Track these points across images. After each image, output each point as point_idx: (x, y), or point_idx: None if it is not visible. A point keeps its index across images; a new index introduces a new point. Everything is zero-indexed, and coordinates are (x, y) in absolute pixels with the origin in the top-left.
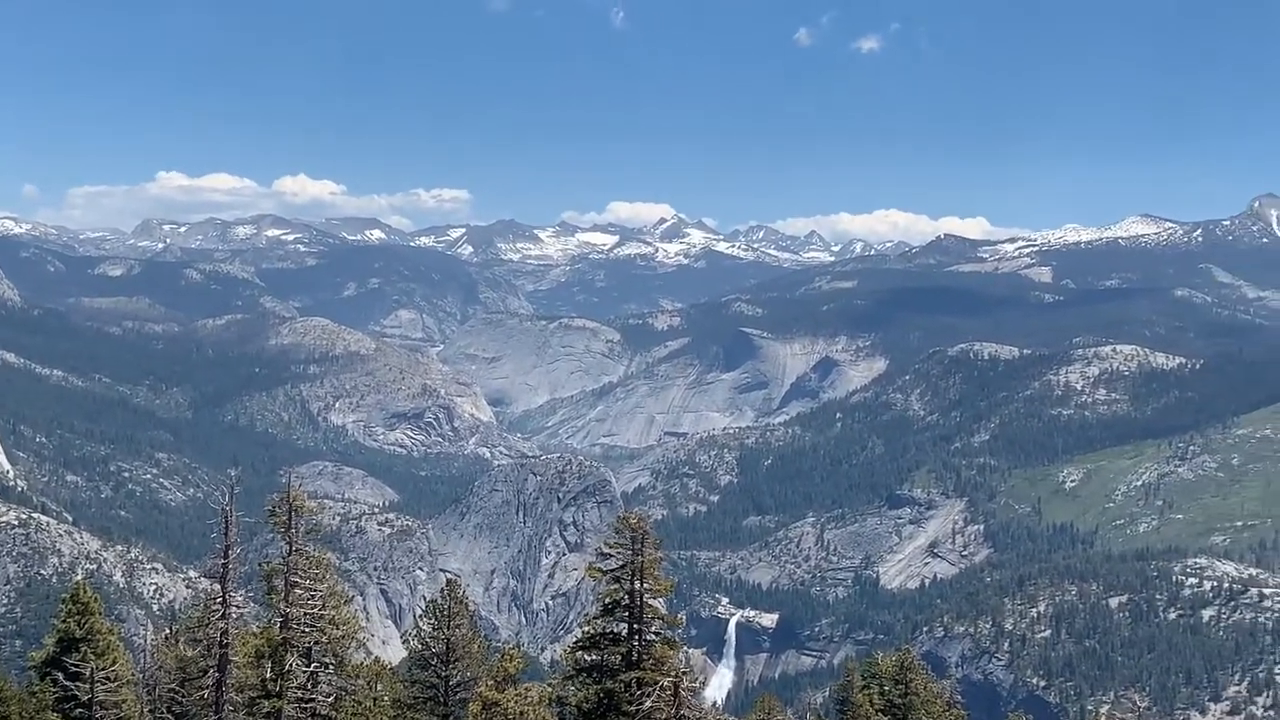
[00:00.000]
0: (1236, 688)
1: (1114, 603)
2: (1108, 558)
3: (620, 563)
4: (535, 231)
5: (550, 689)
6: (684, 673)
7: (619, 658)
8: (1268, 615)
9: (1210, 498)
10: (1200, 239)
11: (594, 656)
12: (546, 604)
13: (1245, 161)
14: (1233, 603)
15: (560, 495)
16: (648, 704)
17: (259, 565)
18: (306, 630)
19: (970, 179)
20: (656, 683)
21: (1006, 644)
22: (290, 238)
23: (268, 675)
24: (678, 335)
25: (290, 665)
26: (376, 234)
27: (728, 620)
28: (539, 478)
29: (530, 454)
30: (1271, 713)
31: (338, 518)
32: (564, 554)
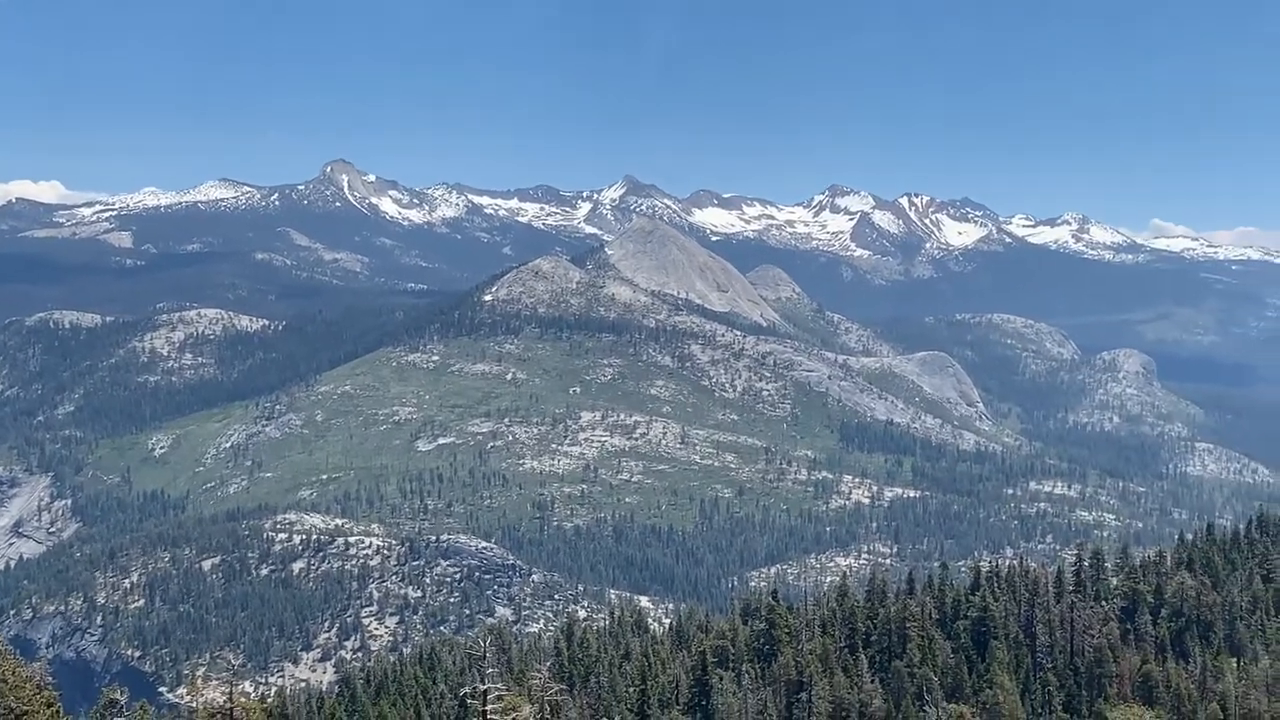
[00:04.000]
0: (327, 634)
1: (208, 565)
2: (200, 521)
3: None
4: None
5: None
6: None
7: None
8: (353, 562)
9: (298, 454)
10: (278, 203)
11: None
12: None
13: (318, 128)
14: (321, 553)
15: None
16: None
17: None
18: None
19: (43, 140)
20: None
21: (99, 618)
22: None
23: None
24: None
25: None
26: None
27: None
28: None
29: None
30: (360, 654)
31: None
32: None
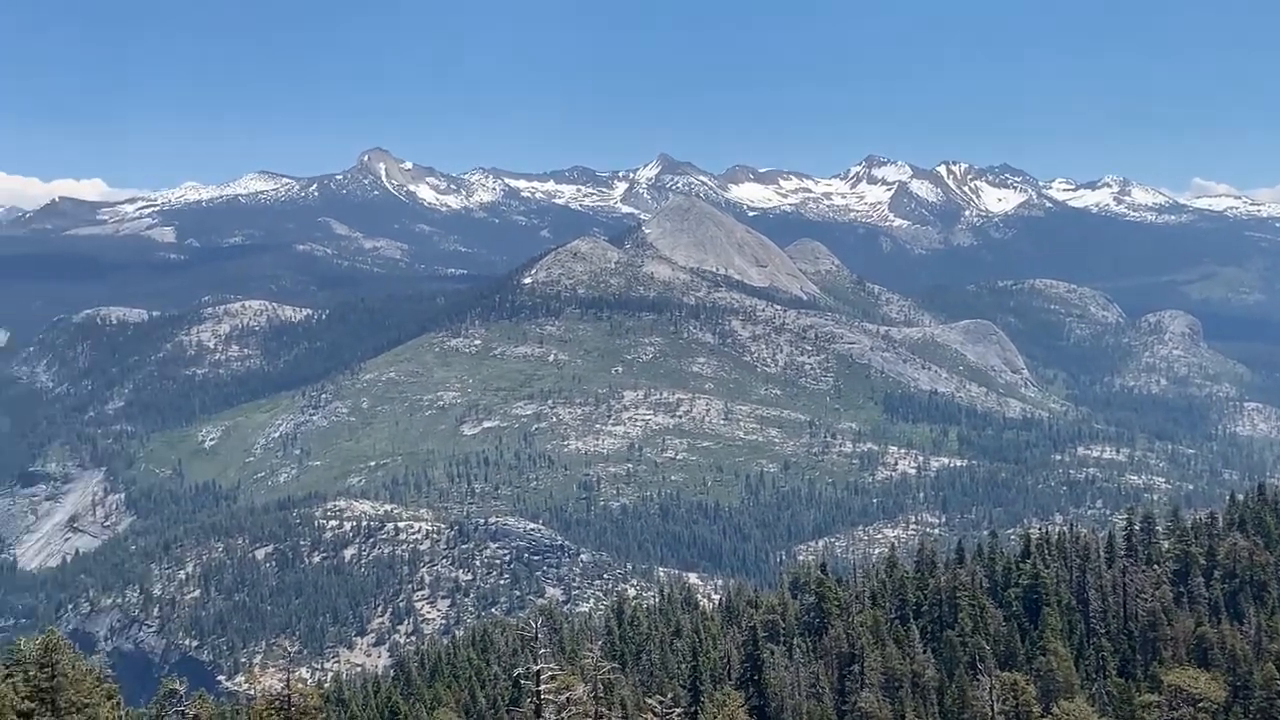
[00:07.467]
0: (380, 619)
1: (261, 554)
2: (252, 511)
3: None
4: None
5: None
6: None
7: None
8: (404, 547)
9: (345, 442)
10: (317, 194)
11: None
12: None
13: (353, 117)
14: (371, 539)
15: None
16: None
17: None
18: None
19: (83, 138)
20: None
21: (156, 610)
22: None
23: None
24: None
25: None
26: None
27: None
28: None
29: None
30: (413, 639)
31: None
32: None
